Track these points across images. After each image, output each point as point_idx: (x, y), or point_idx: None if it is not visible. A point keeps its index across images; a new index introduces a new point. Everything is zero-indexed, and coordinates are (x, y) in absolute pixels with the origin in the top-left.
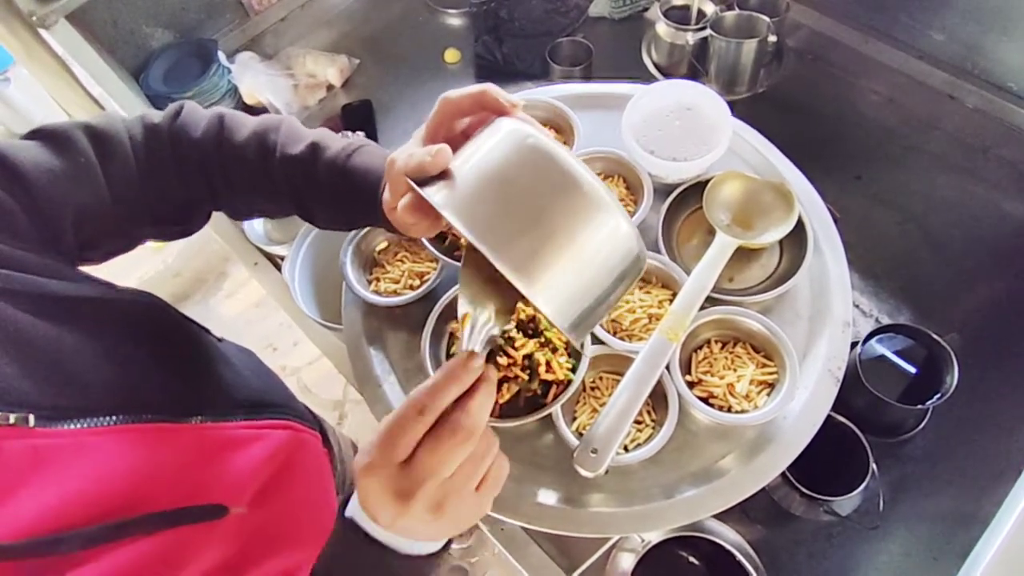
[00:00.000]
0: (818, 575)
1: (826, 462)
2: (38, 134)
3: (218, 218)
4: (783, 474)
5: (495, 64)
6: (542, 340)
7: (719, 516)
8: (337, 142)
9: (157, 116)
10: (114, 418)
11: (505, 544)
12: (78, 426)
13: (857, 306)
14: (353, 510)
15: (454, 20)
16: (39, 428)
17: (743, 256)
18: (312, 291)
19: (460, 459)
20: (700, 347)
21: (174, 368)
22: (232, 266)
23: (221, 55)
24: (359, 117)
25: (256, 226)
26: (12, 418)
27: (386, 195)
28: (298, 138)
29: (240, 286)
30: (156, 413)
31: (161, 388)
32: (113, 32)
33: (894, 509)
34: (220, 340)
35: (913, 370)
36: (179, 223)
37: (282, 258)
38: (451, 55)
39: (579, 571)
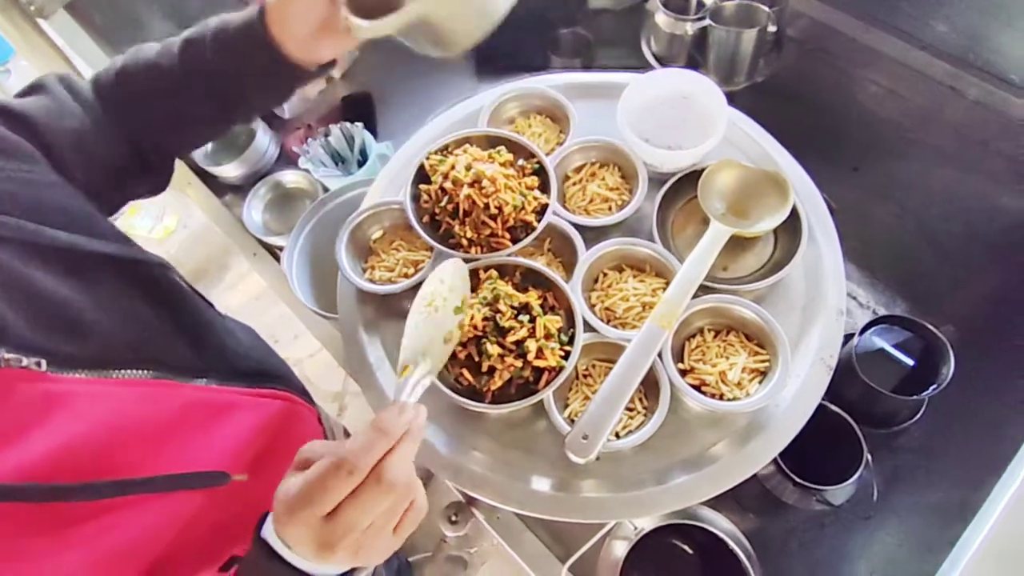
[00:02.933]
0: (810, 564)
1: (820, 452)
2: (24, 92)
3: (217, 209)
4: (776, 463)
5: (494, 55)
6: (534, 326)
7: (712, 504)
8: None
9: (119, 60)
10: (125, 372)
11: (501, 533)
12: (90, 375)
13: (854, 297)
14: (268, 533)
15: None
16: (51, 373)
17: (738, 245)
18: (310, 281)
19: (382, 509)
20: (693, 335)
21: (182, 331)
22: (233, 258)
23: None
24: (359, 108)
25: (255, 216)
26: (25, 361)
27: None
28: (187, 33)
29: (241, 278)
30: (165, 371)
31: (170, 348)
32: (112, 22)
33: (888, 499)
34: (223, 316)
35: (909, 361)
36: (146, 169)
37: (281, 248)
38: None
39: (573, 559)
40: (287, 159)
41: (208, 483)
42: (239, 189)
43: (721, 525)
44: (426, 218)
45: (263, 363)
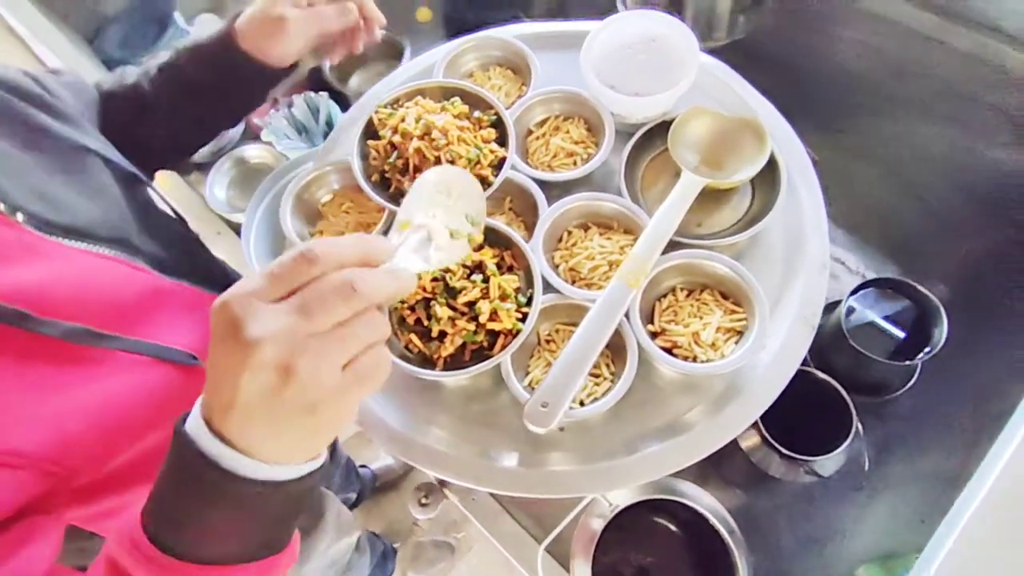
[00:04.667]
0: (799, 539)
1: (808, 422)
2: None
3: (178, 189)
4: (762, 434)
5: (466, 21)
6: (488, 287)
7: (697, 480)
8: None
9: (106, 83)
10: (103, 248)
11: (476, 515)
12: (64, 241)
13: (842, 262)
14: (195, 426)
15: None
16: (29, 229)
17: (713, 199)
18: (269, 255)
19: (336, 316)
20: (664, 295)
21: (156, 232)
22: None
23: (178, 17)
24: (328, 79)
25: (217, 194)
26: (3, 207)
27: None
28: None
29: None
30: (139, 258)
31: (144, 242)
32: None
33: (880, 470)
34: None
35: (900, 327)
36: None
37: None
38: (423, 14)
39: (548, 539)
40: (252, 135)
41: (177, 359)
42: (204, 167)
43: (702, 500)
44: (376, 176)
45: (237, 277)
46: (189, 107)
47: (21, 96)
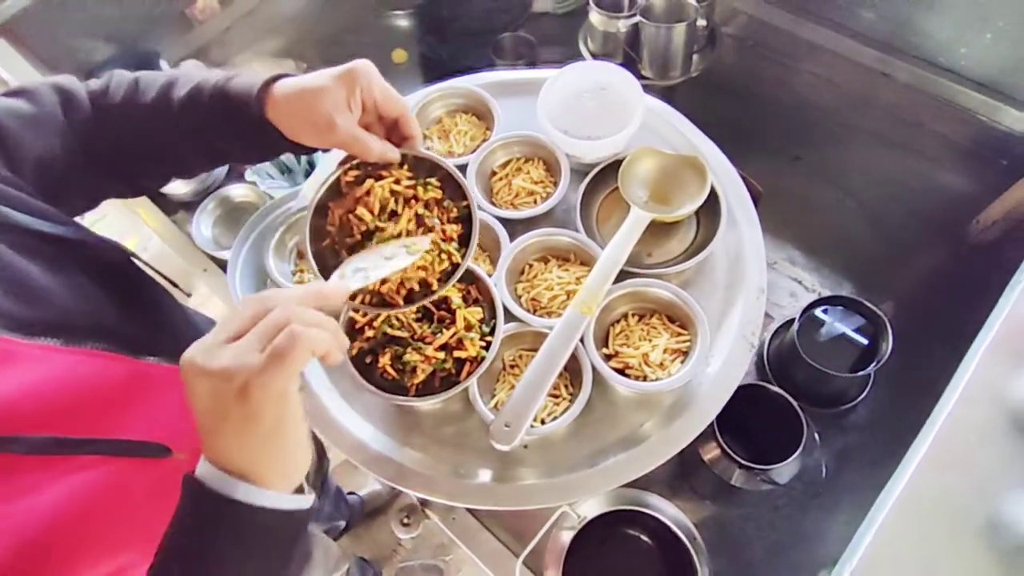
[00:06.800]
0: (766, 547)
1: (765, 434)
2: (10, 92)
3: (167, 227)
4: (722, 447)
5: (441, 62)
6: (454, 318)
7: (665, 494)
8: (220, 73)
9: (96, 83)
10: (78, 344)
11: (457, 534)
12: (38, 341)
13: (799, 282)
14: (203, 469)
15: (401, 21)
16: (2, 334)
17: (662, 232)
18: (254, 290)
19: (263, 326)
20: (617, 320)
21: (134, 311)
22: (195, 279)
23: (164, 64)
24: None
25: (204, 231)
26: None
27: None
28: (190, 80)
29: (208, 298)
30: (114, 344)
31: (120, 324)
32: (51, 46)
33: (840, 479)
34: (188, 295)
35: (853, 340)
36: (133, 183)
37: None
38: (398, 55)
39: (524, 553)
40: (237, 174)
41: (149, 454)
42: (190, 206)
43: (666, 511)
44: (327, 241)
45: None
46: (209, 143)
47: None
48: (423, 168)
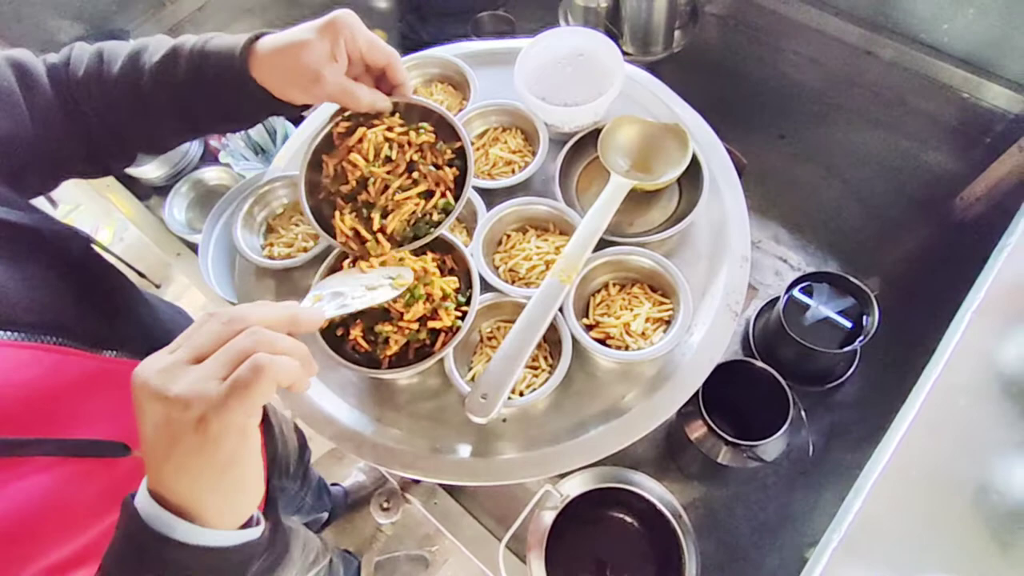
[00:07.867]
0: (754, 527)
1: (752, 411)
2: None
3: (139, 211)
4: (708, 425)
5: (420, 42)
6: (430, 289)
7: (654, 474)
8: (194, 37)
9: (54, 57)
10: (28, 338)
11: (439, 518)
12: None
13: (785, 261)
14: (143, 502)
15: (380, 2)
16: None
17: (643, 200)
18: (228, 272)
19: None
20: (598, 290)
21: (94, 302)
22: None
23: None
24: None
25: (176, 215)
26: None
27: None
28: (161, 46)
29: (186, 288)
30: (71, 339)
31: (78, 318)
32: (17, 27)
33: (827, 457)
34: (158, 286)
35: (838, 317)
36: (96, 161)
37: None
38: (378, 35)
39: (507, 536)
40: (211, 157)
41: (107, 453)
42: (164, 190)
43: (651, 488)
44: (323, 194)
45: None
46: (186, 109)
47: None
48: (415, 115)
